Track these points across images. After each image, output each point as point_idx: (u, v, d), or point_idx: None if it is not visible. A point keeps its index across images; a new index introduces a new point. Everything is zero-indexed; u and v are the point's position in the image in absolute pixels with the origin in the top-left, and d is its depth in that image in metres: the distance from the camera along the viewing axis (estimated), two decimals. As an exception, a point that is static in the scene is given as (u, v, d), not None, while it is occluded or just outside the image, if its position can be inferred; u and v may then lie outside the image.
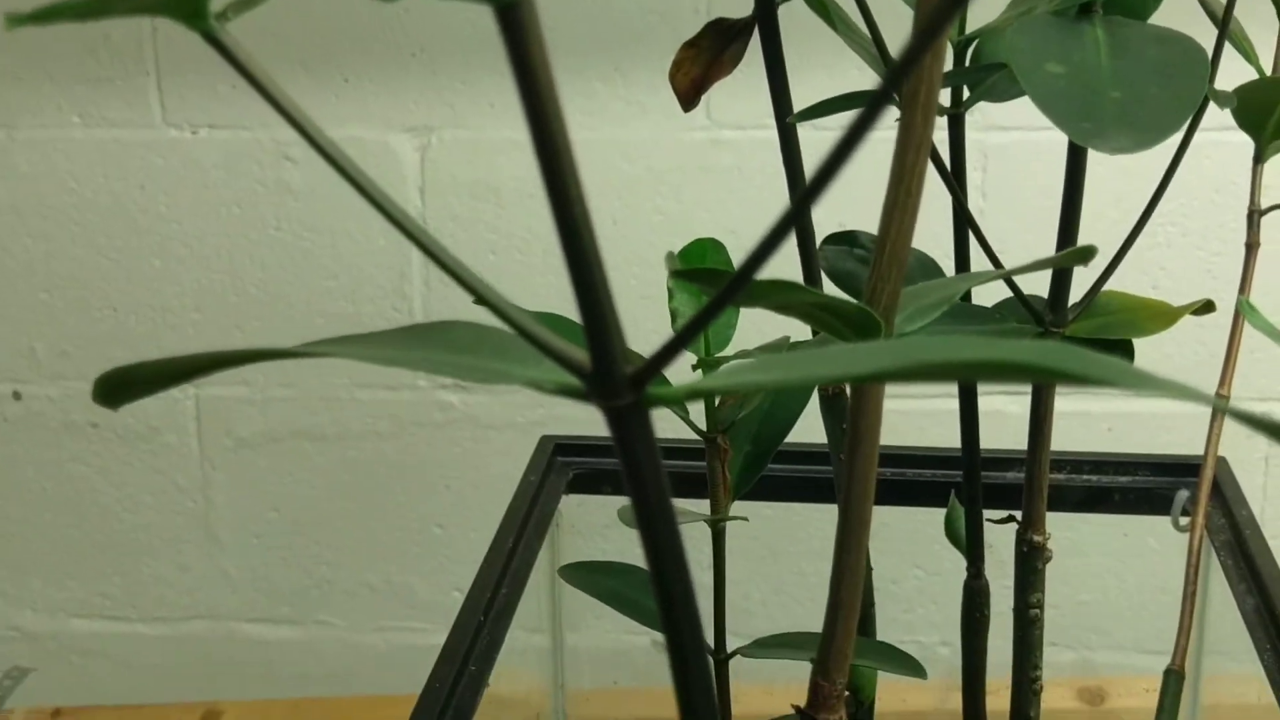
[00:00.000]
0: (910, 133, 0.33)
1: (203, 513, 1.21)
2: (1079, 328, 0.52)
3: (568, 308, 1.07)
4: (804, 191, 0.21)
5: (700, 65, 0.50)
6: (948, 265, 0.57)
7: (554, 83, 0.24)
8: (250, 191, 1.14)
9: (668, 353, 0.24)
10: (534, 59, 0.23)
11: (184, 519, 1.21)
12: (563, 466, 0.71)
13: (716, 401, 0.45)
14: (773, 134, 1.10)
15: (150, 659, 1.25)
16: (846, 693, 0.39)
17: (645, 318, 1.14)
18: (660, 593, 0.26)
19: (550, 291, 1.12)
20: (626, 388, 0.25)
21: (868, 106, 0.21)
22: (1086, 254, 0.39)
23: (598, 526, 1.12)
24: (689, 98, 0.50)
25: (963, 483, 0.59)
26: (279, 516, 1.21)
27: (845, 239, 0.57)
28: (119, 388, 0.31)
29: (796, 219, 0.22)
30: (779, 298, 0.32)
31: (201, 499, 1.21)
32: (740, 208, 1.11)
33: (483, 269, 1.12)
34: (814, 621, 1.15)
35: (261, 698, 1.17)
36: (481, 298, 0.27)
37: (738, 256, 1.16)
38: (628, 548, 1.12)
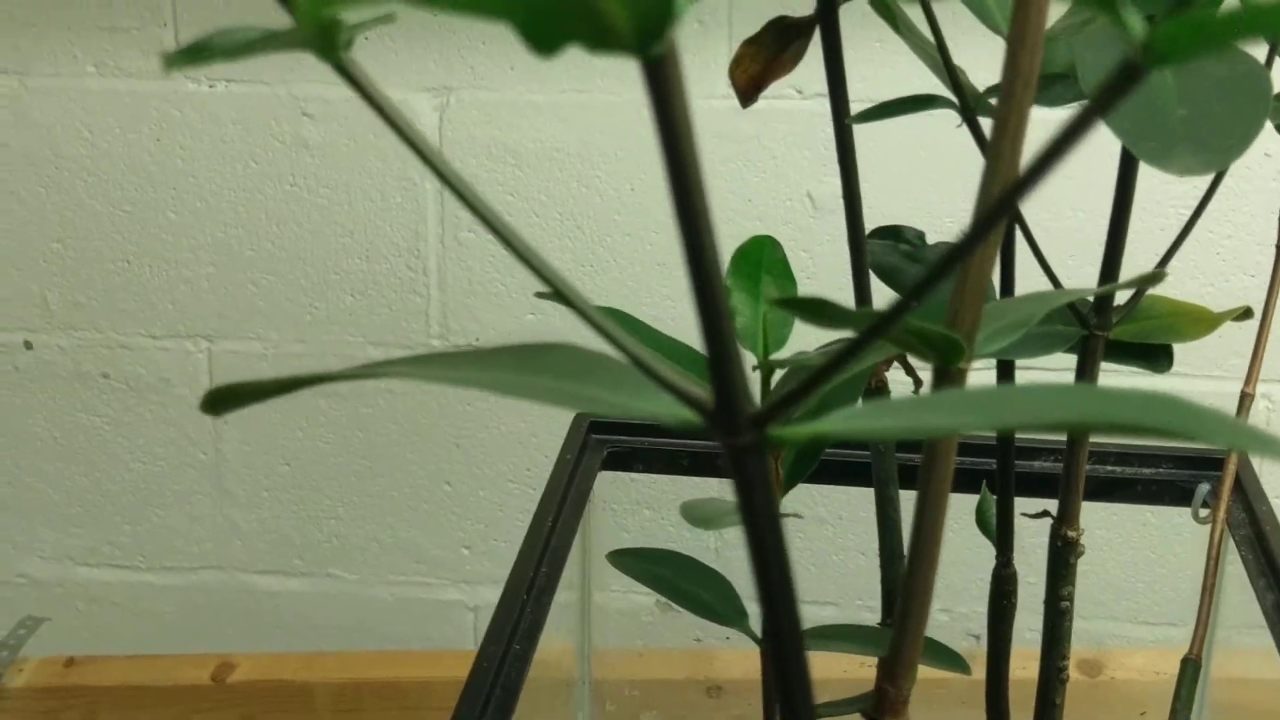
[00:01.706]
0: (998, 162, 0.34)
1: (214, 465, 1.22)
2: (1122, 331, 0.52)
3: (578, 270, 1.09)
4: (971, 235, 0.22)
5: (760, 62, 0.50)
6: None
7: (693, 133, 0.25)
8: (267, 146, 1.14)
9: (792, 399, 0.25)
10: (676, 110, 0.24)
11: (195, 471, 1.22)
12: (597, 444, 0.72)
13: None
14: (794, 104, 1.11)
15: (160, 608, 1.26)
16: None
17: (660, 284, 1.15)
18: (771, 620, 0.27)
19: (565, 255, 1.13)
20: (748, 427, 0.26)
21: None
22: (1157, 277, 0.40)
23: (628, 503, 1.13)
24: (748, 94, 0.51)
25: (996, 472, 0.61)
26: (290, 470, 1.22)
27: (891, 233, 0.57)
28: (225, 400, 0.32)
29: (954, 260, 0.23)
30: (865, 321, 0.33)
31: (213, 451, 1.22)
32: (759, 177, 1.11)
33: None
34: (850, 600, 1.16)
35: (271, 649, 1.18)
36: (604, 332, 0.28)
37: (752, 225, 1.16)
38: (656, 525, 1.14)
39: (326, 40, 0.26)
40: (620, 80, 1.10)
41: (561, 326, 1.15)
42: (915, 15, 0.49)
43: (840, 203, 0.56)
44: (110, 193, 1.16)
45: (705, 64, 1.09)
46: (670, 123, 0.24)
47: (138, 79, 1.14)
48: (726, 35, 1.09)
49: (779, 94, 1.10)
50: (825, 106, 1.09)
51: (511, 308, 1.16)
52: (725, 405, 0.26)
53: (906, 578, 0.36)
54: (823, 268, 1.12)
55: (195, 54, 0.25)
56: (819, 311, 0.29)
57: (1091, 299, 0.52)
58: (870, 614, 1.13)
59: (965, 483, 0.67)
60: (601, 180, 1.13)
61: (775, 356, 0.47)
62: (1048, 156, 0.22)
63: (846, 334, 0.52)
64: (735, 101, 1.14)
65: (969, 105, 0.49)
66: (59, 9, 1.13)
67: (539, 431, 1.19)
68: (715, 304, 0.26)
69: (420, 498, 1.22)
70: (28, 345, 1.20)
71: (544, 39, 0.22)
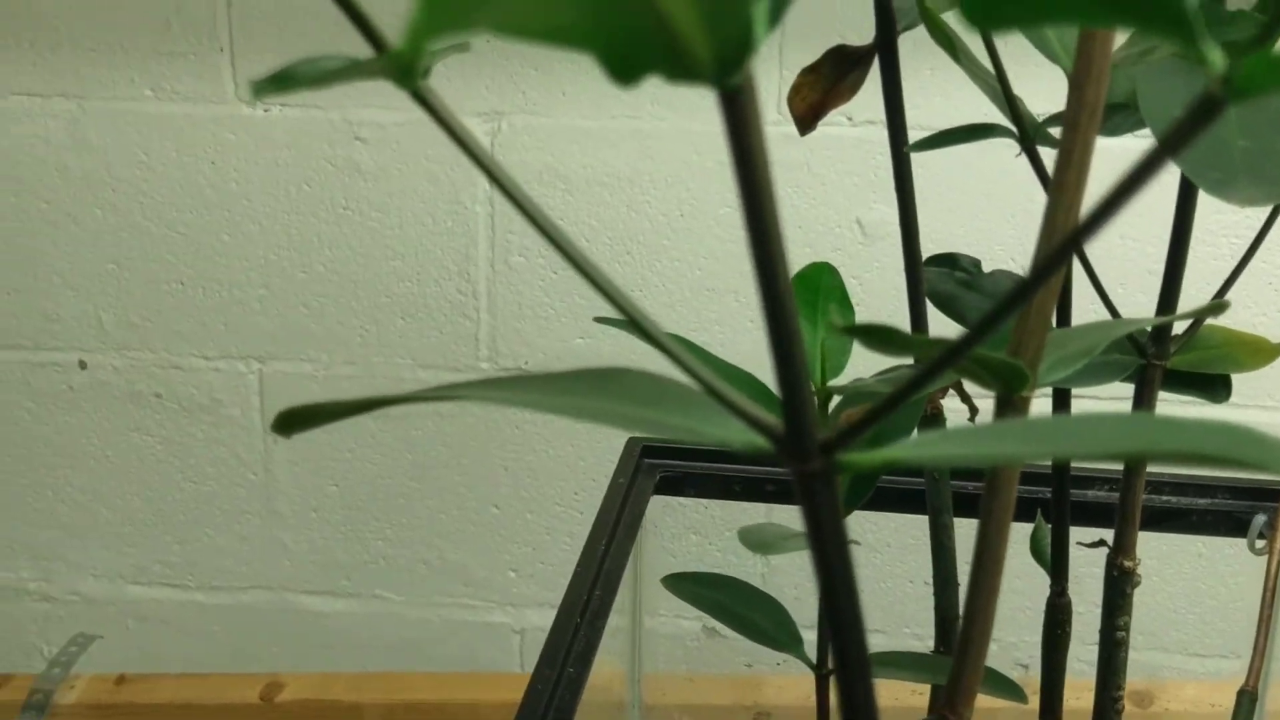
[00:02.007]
0: (1062, 192, 0.34)
1: (263, 485, 1.23)
2: (1180, 361, 0.52)
3: (627, 294, 1.07)
4: (1042, 267, 0.22)
5: (819, 91, 0.50)
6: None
7: (769, 165, 0.25)
8: (320, 170, 1.16)
9: (862, 425, 0.25)
10: (753, 139, 0.24)
11: (245, 491, 1.23)
12: (650, 469, 0.72)
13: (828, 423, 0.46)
14: (844, 131, 1.11)
15: (208, 627, 1.27)
16: None
17: (708, 308, 1.15)
18: (838, 648, 0.27)
19: (614, 279, 1.13)
20: (817, 454, 0.26)
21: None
22: (1220, 308, 0.40)
23: (675, 527, 1.14)
24: (806, 122, 0.51)
25: (1051, 500, 0.60)
26: (338, 491, 1.22)
27: (946, 261, 0.58)
28: (296, 421, 0.32)
29: (1027, 293, 0.23)
30: (931, 350, 0.33)
31: (262, 471, 1.23)
32: (808, 204, 1.11)
33: (549, 257, 1.13)
34: (897, 627, 1.15)
35: (317, 669, 1.19)
36: (673, 357, 0.28)
37: (801, 252, 1.16)
38: (704, 549, 1.14)
39: (408, 70, 0.27)
40: (670, 107, 1.11)
41: (609, 351, 1.16)
42: (974, 44, 0.50)
43: (889, 229, 0.56)
44: (165, 215, 1.18)
45: (757, 91, 1.09)
46: (746, 151, 0.25)
47: (194, 103, 1.15)
48: (777, 62, 1.09)
49: (829, 120, 1.10)
50: (875, 133, 1.09)
51: (560, 332, 1.16)
52: (796, 431, 0.26)
53: (968, 605, 0.36)
54: (872, 294, 1.12)
55: (281, 82, 0.25)
56: (886, 339, 0.30)
57: (1149, 328, 0.52)
58: (917, 641, 1.12)
59: (1019, 510, 0.67)
60: (651, 205, 1.13)
61: (832, 383, 0.47)
62: (1120, 193, 0.22)
63: (904, 361, 0.52)
64: (786, 128, 1.14)
65: (1028, 134, 0.49)
66: (117, 34, 1.14)
67: (586, 455, 1.19)
68: (788, 330, 0.26)
69: (468, 520, 1.22)
70: (82, 365, 1.22)
71: (625, 70, 0.22)
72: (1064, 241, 0.32)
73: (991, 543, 0.36)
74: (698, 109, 1.11)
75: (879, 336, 0.29)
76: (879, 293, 1.12)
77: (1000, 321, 0.24)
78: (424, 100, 0.28)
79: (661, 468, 0.72)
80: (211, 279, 1.19)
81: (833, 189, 1.11)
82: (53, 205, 1.18)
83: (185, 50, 1.14)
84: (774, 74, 1.09)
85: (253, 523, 1.24)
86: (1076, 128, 0.34)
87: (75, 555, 1.26)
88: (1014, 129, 0.49)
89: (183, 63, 1.15)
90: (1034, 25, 0.21)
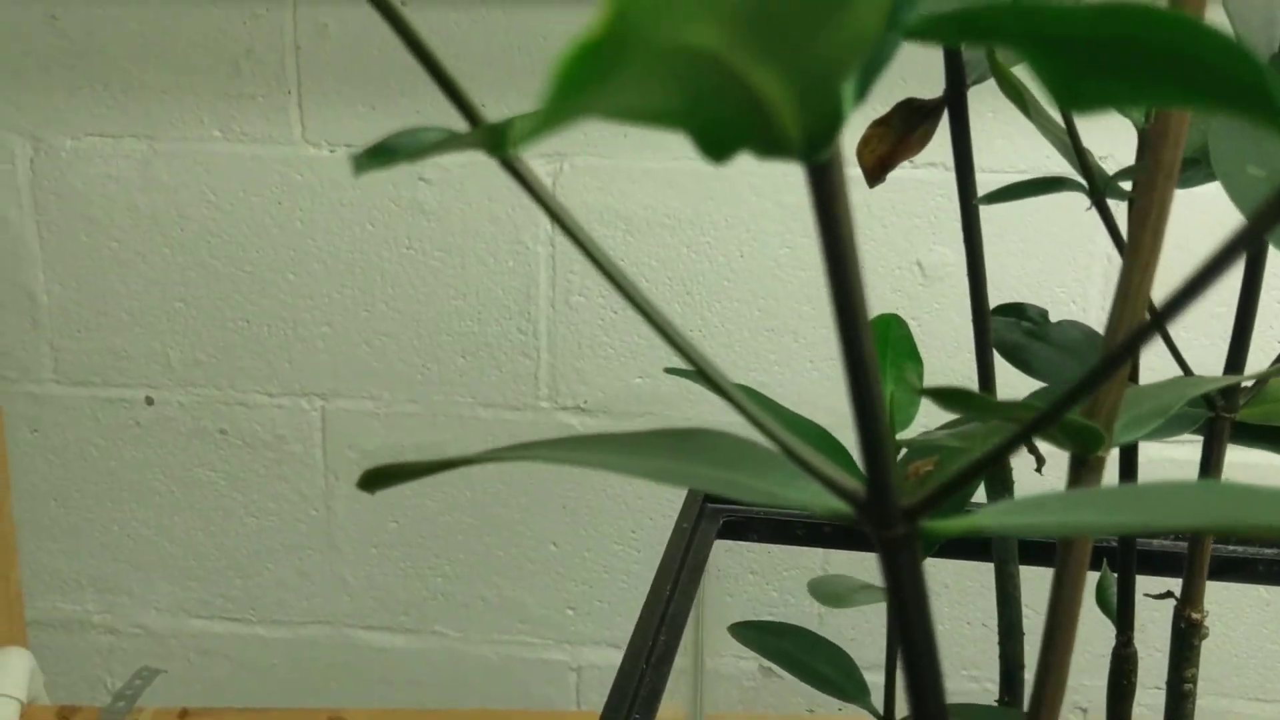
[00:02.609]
0: (1138, 254, 0.35)
1: (324, 521, 1.24)
2: (1249, 414, 0.52)
3: (687, 334, 1.08)
4: (1125, 342, 0.23)
5: (888, 143, 0.51)
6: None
7: (854, 231, 0.26)
8: (384, 210, 1.17)
9: (945, 491, 0.26)
10: (840, 211, 0.25)
11: (306, 526, 1.24)
12: (713, 513, 0.73)
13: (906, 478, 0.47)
14: (904, 173, 1.11)
15: (269, 661, 1.28)
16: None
17: (768, 349, 1.16)
18: (916, 708, 0.28)
19: (674, 320, 1.14)
20: (900, 520, 0.26)
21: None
22: (1295, 366, 0.40)
23: (735, 569, 1.14)
24: (875, 174, 0.51)
25: (1117, 550, 0.60)
26: (398, 527, 1.23)
27: (1013, 310, 0.58)
28: (380, 479, 0.33)
29: (1115, 366, 0.24)
30: (1011, 413, 0.33)
31: (324, 508, 1.24)
32: (868, 245, 1.12)
33: (609, 297, 1.14)
34: (955, 669, 1.14)
35: (377, 704, 1.20)
36: (743, 411, 0.28)
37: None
38: (761, 591, 1.14)
39: (503, 143, 0.28)
40: (731, 148, 1.11)
41: (669, 392, 1.16)
42: (1042, 94, 0.50)
43: (949, 271, 0.56)
44: (232, 253, 1.20)
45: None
46: (833, 222, 0.25)
47: (261, 143, 1.17)
48: (837, 104, 1.09)
49: (889, 163, 1.10)
50: (935, 175, 1.09)
51: (620, 371, 1.17)
52: (878, 496, 0.26)
53: (1042, 659, 0.37)
54: (931, 335, 1.12)
55: (381, 156, 0.26)
56: (964, 402, 0.30)
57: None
58: (975, 684, 1.12)
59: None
60: (711, 246, 1.14)
61: (901, 436, 0.48)
62: (1207, 272, 0.22)
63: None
64: (846, 171, 1.14)
65: (1098, 188, 0.50)
66: (188, 76, 1.16)
67: (644, 495, 1.20)
68: (871, 396, 0.27)
69: (526, 557, 1.23)
70: (149, 401, 1.23)
71: (718, 148, 0.23)
72: (1143, 328, 0.32)
73: (1067, 594, 0.36)
74: (758, 151, 1.11)
75: (957, 400, 0.30)
76: (938, 334, 1.12)
77: (1088, 392, 0.24)
78: (511, 167, 0.29)
79: (724, 512, 0.73)
80: (276, 317, 1.20)
81: (893, 230, 1.12)
82: (122, 244, 1.20)
83: (254, 92, 1.16)
84: (834, 116, 1.10)
85: (313, 558, 1.25)
86: (1152, 189, 0.34)
87: (140, 589, 1.28)
88: (1084, 182, 0.50)
89: (251, 104, 1.17)
90: (1121, 105, 0.22)
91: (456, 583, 1.24)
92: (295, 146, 1.17)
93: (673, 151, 1.12)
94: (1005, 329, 0.57)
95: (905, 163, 1.11)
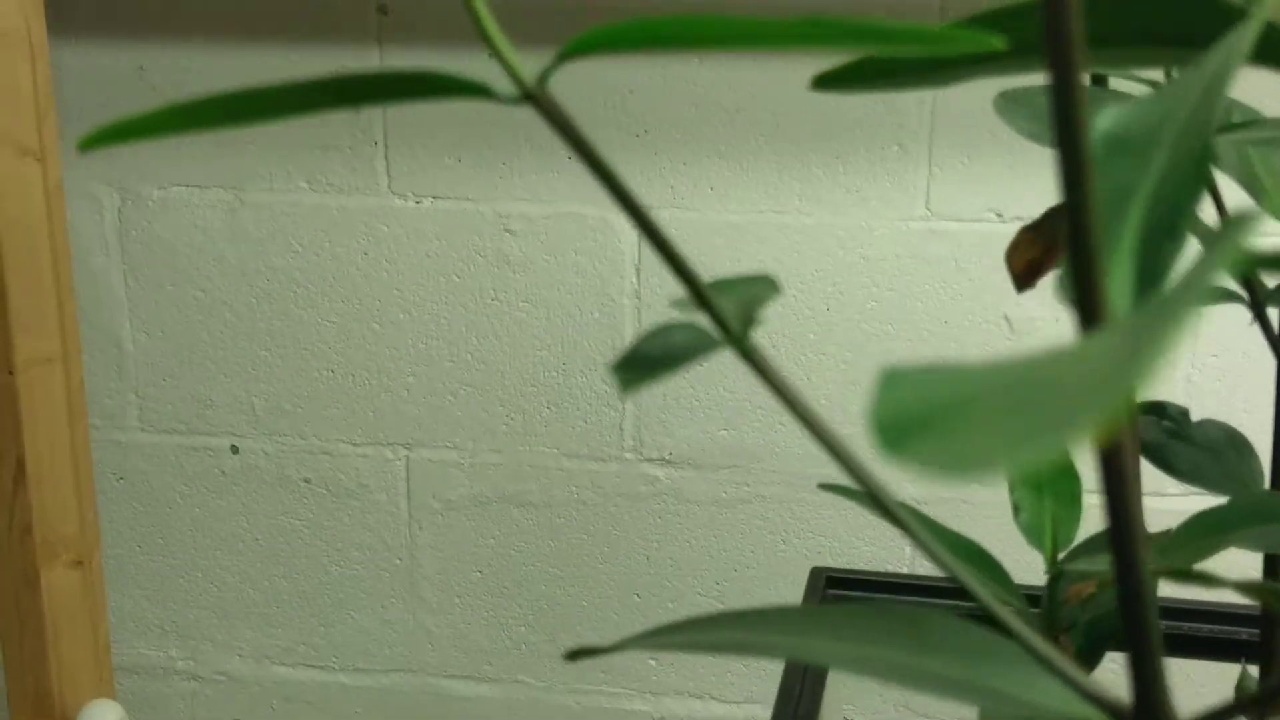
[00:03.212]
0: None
1: (408, 570, 1.24)
2: None
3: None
4: None
5: (1038, 249, 0.51)
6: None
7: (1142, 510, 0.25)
8: (470, 261, 1.17)
9: (1226, 715, 0.26)
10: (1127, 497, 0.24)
11: (389, 575, 1.25)
12: (833, 600, 0.72)
13: (1061, 600, 0.46)
14: (990, 227, 1.11)
15: (351, 709, 1.29)
16: None
17: (853, 402, 1.15)
18: None
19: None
20: (1170, 733, 0.26)
21: None
22: None
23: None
24: (1025, 280, 0.51)
25: (1259, 643, 0.60)
26: (482, 577, 1.24)
27: (1154, 409, 0.57)
28: (584, 654, 0.33)
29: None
30: (1259, 595, 0.33)
31: (408, 557, 1.24)
32: (955, 299, 1.11)
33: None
34: None
35: (461, 756, 1.20)
36: (1001, 623, 0.28)
37: (947, 347, 1.16)
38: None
39: (743, 345, 0.28)
40: (816, 201, 1.11)
41: (754, 445, 1.16)
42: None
43: (1037, 325, 0.56)
44: (318, 303, 1.20)
45: (905, 187, 1.10)
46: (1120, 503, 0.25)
47: (347, 194, 1.18)
48: (926, 158, 1.09)
49: (977, 216, 1.10)
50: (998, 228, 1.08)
51: (704, 423, 1.17)
52: (1149, 714, 0.26)
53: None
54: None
55: (636, 372, 0.26)
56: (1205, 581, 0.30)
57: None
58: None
59: (1223, 651, 0.66)
60: (797, 299, 1.14)
61: (1061, 557, 0.47)
62: None
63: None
64: (934, 223, 1.14)
65: (1260, 301, 0.49)
66: (275, 128, 1.17)
67: (729, 545, 1.20)
68: (1143, 614, 0.26)
69: (609, 608, 1.23)
70: (234, 450, 1.24)
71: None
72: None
73: None
74: (843, 204, 1.11)
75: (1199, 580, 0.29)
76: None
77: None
78: (750, 356, 0.29)
79: (845, 598, 0.73)
80: (361, 366, 1.21)
81: (980, 285, 1.11)
82: (208, 293, 1.21)
83: (340, 144, 1.17)
84: (922, 169, 1.09)
85: (397, 607, 1.25)
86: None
87: (223, 635, 1.29)
88: (1245, 294, 0.49)
89: (338, 155, 1.17)
90: None
91: (540, 632, 1.24)
92: (381, 197, 1.18)
93: (758, 205, 1.12)
94: (1145, 427, 0.57)
95: (994, 216, 1.11)
